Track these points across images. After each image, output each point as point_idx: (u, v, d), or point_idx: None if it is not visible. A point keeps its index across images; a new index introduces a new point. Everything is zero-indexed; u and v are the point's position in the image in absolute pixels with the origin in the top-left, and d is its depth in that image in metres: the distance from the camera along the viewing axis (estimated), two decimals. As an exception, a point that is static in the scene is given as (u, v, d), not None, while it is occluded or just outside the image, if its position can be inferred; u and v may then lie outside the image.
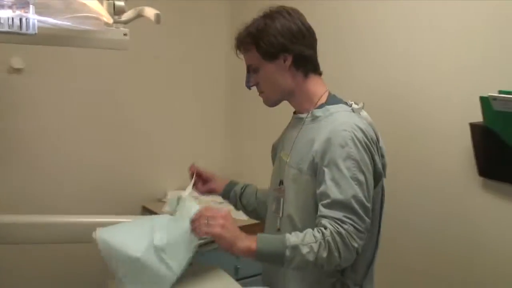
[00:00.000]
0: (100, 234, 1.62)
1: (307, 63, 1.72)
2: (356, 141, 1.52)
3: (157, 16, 1.24)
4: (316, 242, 1.44)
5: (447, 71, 2.17)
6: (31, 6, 0.99)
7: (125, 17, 1.29)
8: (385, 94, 2.39)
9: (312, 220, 1.55)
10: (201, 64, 3.47)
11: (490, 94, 1.86)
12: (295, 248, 1.45)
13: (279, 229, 1.71)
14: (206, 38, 3.43)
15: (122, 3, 1.24)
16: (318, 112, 1.67)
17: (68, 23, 1.07)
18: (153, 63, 3.24)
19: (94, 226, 2.18)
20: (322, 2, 2.73)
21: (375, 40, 2.46)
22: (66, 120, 3.02)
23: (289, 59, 1.68)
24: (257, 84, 1.77)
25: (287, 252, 1.44)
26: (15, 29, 1.03)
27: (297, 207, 1.65)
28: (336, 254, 1.45)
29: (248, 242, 1.48)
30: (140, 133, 3.28)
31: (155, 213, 3.09)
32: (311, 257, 1.44)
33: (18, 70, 2.81)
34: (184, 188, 1.98)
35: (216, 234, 1.49)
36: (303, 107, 1.75)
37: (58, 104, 2.99)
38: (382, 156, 1.66)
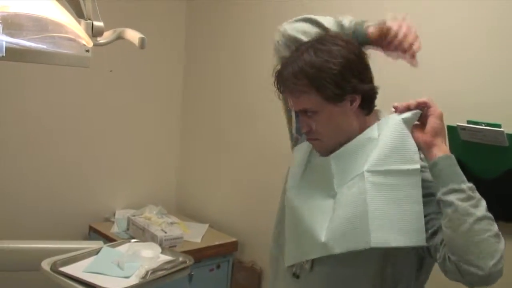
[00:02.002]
0: None
1: (374, 101, 1.45)
2: None
3: (142, 41, 1.14)
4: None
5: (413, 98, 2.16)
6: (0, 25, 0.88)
7: (103, 39, 1.19)
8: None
9: None
10: (156, 79, 3.35)
11: (458, 124, 1.87)
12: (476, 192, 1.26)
13: (297, 276, 1.48)
14: (162, 50, 3.32)
15: (101, 24, 1.13)
16: None
17: (43, 46, 0.96)
18: (107, 77, 3.11)
19: (41, 252, 2.07)
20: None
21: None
22: (8, 137, 2.85)
23: (357, 101, 1.39)
24: (309, 131, 1.43)
25: (469, 184, 1.26)
26: (-21, 50, 0.92)
27: None
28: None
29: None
30: (88, 149, 3.12)
31: (103, 234, 2.96)
32: (491, 215, 1.23)
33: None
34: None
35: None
36: None
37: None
38: None
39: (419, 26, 2.20)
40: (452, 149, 1.93)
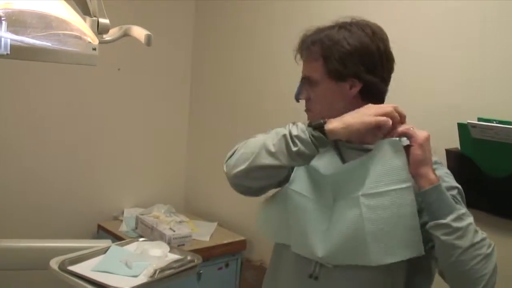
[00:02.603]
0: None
1: (376, 96, 1.43)
2: None
3: (148, 38, 1.13)
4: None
5: (424, 96, 2.15)
6: (3, 23, 0.87)
7: (109, 36, 1.18)
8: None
9: None
10: (164, 77, 3.35)
11: (469, 121, 1.84)
12: (470, 216, 1.27)
13: (316, 277, 1.42)
14: (170, 49, 3.31)
15: (107, 21, 1.12)
16: None
17: (48, 43, 0.95)
18: (115, 76, 3.10)
19: (50, 251, 2.07)
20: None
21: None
22: (17, 136, 2.85)
23: (357, 88, 1.39)
24: (307, 100, 1.47)
25: (462, 210, 1.26)
26: (-18, 48, 0.92)
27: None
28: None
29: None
30: (95, 148, 3.13)
31: (111, 233, 2.96)
32: (479, 238, 1.25)
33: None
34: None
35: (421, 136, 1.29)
36: (364, 140, 1.43)
37: (8, 119, 2.82)
38: None
39: (425, 24, 2.20)
40: (463, 147, 1.93)
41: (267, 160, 1.33)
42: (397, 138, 1.32)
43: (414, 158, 1.29)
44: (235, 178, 1.46)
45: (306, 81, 1.46)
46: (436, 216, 1.26)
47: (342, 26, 1.41)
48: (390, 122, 1.29)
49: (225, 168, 1.50)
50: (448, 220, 1.23)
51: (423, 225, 1.30)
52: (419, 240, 1.30)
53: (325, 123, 1.30)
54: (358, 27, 1.40)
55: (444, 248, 1.25)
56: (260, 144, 1.36)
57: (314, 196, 1.42)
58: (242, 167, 1.40)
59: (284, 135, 1.31)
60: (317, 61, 1.41)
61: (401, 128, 1.31)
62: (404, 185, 1.30)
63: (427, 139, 1.30)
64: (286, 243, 1.48)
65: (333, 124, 1.29)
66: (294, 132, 1.30)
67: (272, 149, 1.33)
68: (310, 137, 1.29)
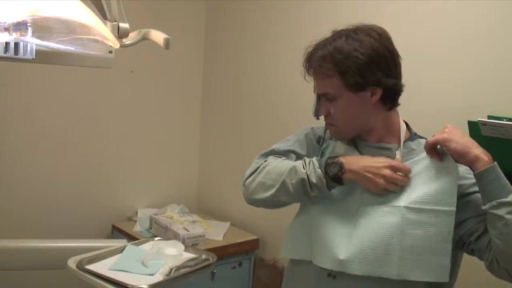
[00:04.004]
0: None
1: (397, 97, 1.47)
2: None
3: (167, 41, 1.16)
4: None
5: (434, 94, 2.16)
6: (29, 29, 0.90)
7: (129, 40, 1.21)
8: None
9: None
10: (176, 78, 3.38)
11: (479, 119, 1.85)
12: None
13: (334, 276, 1.43)
14: (182, 50, 3.34)
15: (127, 25, 1.15)
16: (413, 145, 1.47)
17: (71, 48, 0.99)
18: (127, 78, 3.14)
19: (67, 251, 2.10)
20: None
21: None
22: (32, 138, 2.89)
23: (378, 94, 1.41)
24: (327, 115, 1.47)
25: None
26: (11, 53, 0.95)
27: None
28: None
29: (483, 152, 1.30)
30: (109, 149, 3.17)
31: (125, 233, 2.99)
32: None
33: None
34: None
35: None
36: (383, 139, 1.49)
37: (23, 121, 2.86)
38: None
39: (431, 23, 2.20)
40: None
41: (285, 198, 1.46)
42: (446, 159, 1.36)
43: (456, 152, 1.31)
44: (253, 202, 1.56)
45: (324, 97, 1.45)
46: (494, 196, 1.26)
47: (348, 35, 1.40)
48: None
49: (243, 190, 1.57)
50: (510, 198, 1.24)
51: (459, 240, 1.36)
52: (447, 266, 1.31)
53: (342, 172, 1.37)
54: (363, 33, 1.40)
55: (507, 228, 1.23)
56: (280, 180, 1.44)
57: (338, 200, 1.43)
58: (261, 196, 1.49)
59: (303, 180, 1.39)
60: (331, 77, 1.40)
61: (429, 141, 1.36)
62: (449, 208, 1.32)
63: (449, 129, 1.34)
64: (307, 259, 1.48)
65: (349, 176, 1.37)
66: (312, 180, 1.38)
67: (291, 189, 1.42)
68: (327, 185, 1.38)
